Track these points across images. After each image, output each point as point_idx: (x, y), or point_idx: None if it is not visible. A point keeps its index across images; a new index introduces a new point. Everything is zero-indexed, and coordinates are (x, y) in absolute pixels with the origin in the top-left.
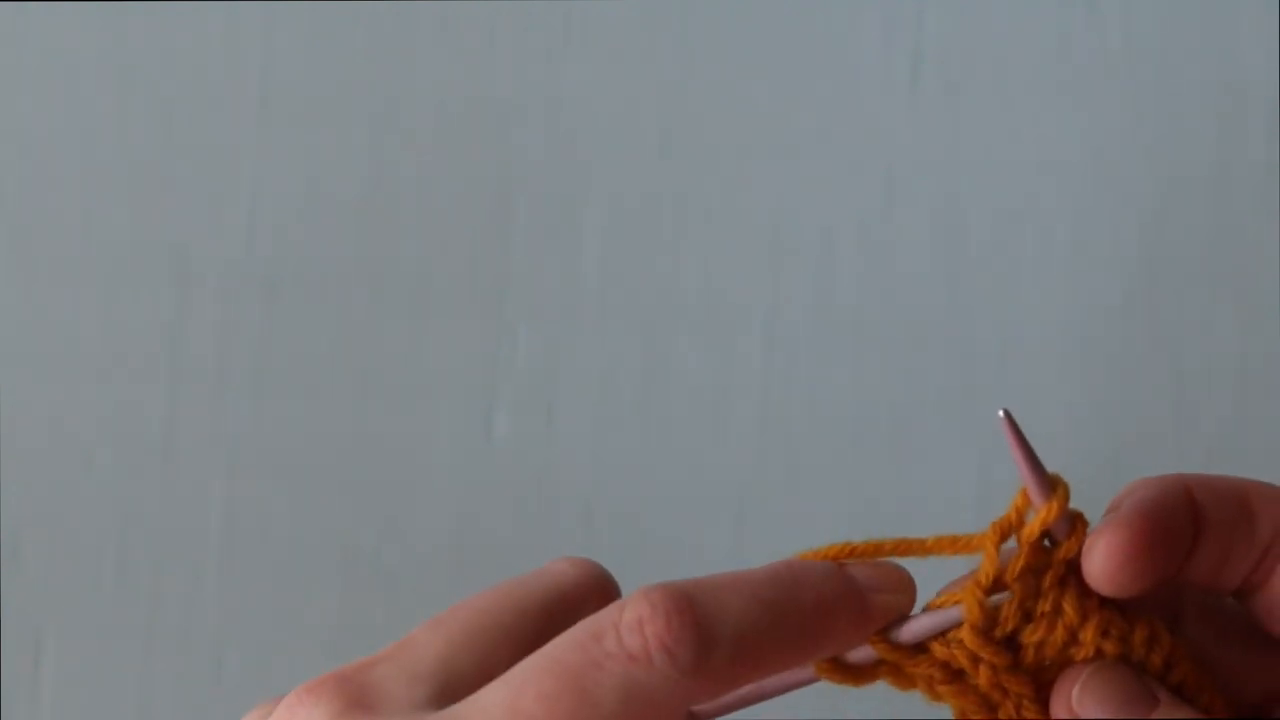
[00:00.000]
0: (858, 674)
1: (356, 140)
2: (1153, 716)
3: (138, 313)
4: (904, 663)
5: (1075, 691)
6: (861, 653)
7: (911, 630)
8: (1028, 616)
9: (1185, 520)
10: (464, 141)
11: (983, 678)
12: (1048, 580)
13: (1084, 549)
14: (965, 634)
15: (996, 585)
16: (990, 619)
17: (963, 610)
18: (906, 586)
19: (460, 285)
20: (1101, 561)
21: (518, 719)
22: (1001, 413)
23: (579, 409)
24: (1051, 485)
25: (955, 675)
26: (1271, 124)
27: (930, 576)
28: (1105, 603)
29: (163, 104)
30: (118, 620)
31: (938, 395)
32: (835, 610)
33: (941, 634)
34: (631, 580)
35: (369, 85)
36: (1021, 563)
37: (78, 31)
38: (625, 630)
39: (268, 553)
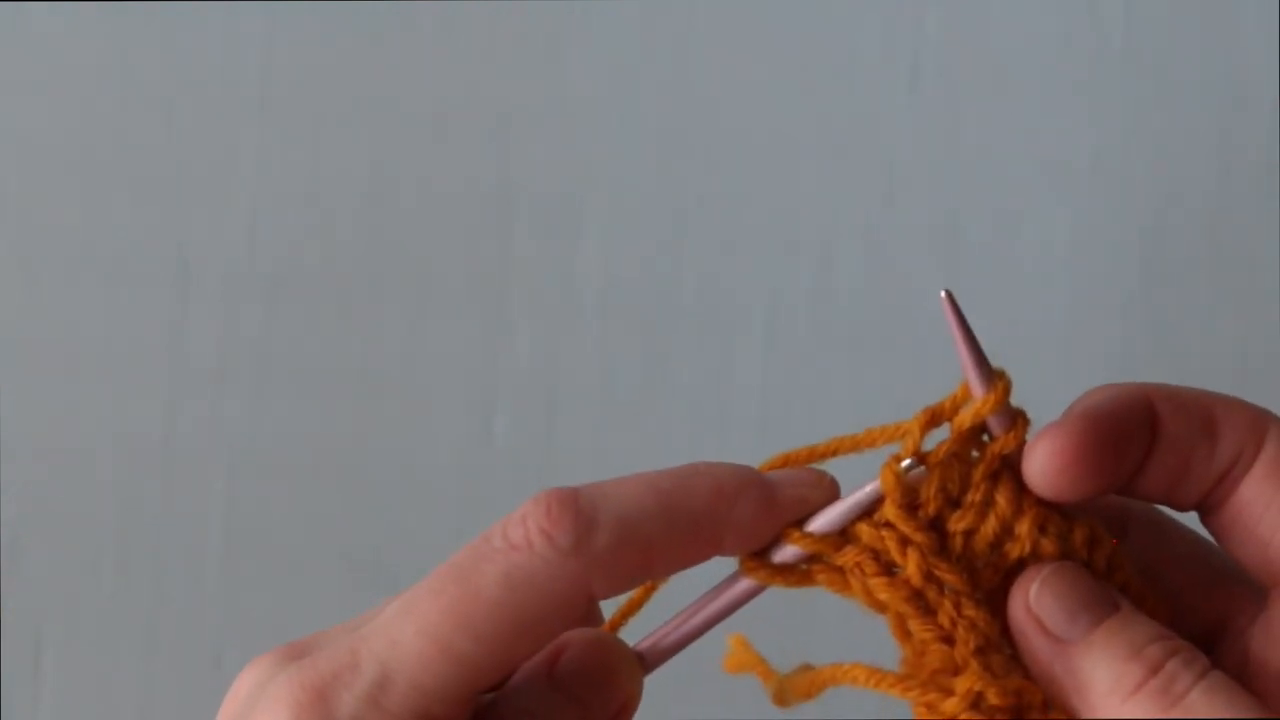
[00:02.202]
0: (788, 574)
1: (356, 141)
2: (1112, 620)
3: (138, 313)
4: (831, 553)
5: (1034, 589)
6: (787, 551)
7: (828, 516)
8: (954, 503)
9: (1138, 430)
10: (464, 141)
11: (912, 565)
12: (979, 472)
13: (1025, 450)
14: (887, 509)
15: (921, 464)
16: (910, 495)
17: (878, 485)
18: (822, 482)
19: (460, 285)
20: (1040, 464)
21: (410, 616)
22: (943, 293)
23: (579, 409)
24: (992, 377)
25: (886, 568)
26: (1272, 124)
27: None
28: (1044, 502)
29: (163, 104)
30: (118, 620)
31: (937, 395)
32: (734, 497)
33: (863, 515)
34: None
35: (369, 85)
36: (948, 446)
37: (78, 31)
38: (510, 525)
39: (268, 553)
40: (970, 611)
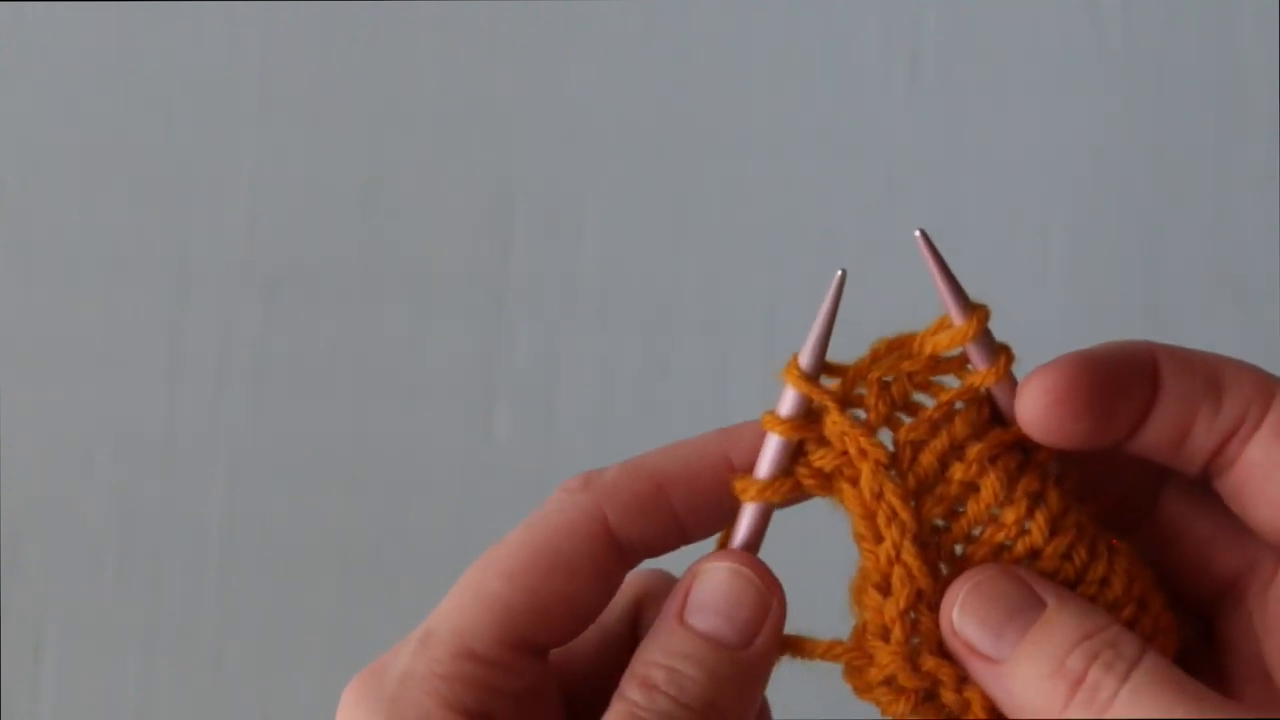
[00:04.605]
0: (779, 485)
1: (356, 140)
2: (1040, 619)
3: (138, 313)
4: (809, 440)
5: (955, 614)
6: (769, 447)
7: (788, 396)
8: (905, 410)
9: (1135, 379)
10: (464, 141)
11: (866, 473)
12: (948, 394)
13: (1019, 388)
14: (830, 413)
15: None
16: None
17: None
18: None
19: (460, 285)
20: (1031, 400)
21: (454, 585)
22: (917, 232)
23: (579, 409)
24: (971, 308)
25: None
26: (1272, 124)
27: None
28: (1010, 446)
29: (163, 104)
30: (118, 620)
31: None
32: (737, 426)
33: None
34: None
35: (369, 85)
36: (902, 353)
37: (78, 31)
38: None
39: (268, 552)
40: (909, 557)
